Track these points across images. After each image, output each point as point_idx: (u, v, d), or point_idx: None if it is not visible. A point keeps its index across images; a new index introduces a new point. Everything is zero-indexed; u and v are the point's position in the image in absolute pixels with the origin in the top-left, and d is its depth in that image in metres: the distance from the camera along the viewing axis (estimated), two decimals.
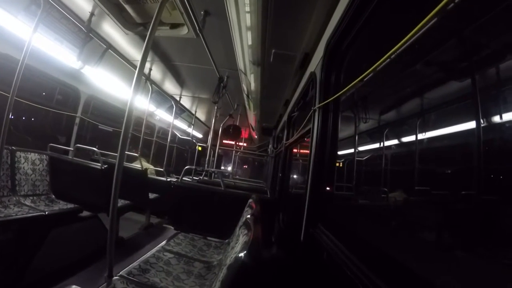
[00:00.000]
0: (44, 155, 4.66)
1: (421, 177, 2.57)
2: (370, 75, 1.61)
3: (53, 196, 4.60)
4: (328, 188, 2.42)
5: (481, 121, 1.51)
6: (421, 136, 2.62)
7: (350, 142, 4.29)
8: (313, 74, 3.10)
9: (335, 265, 1.59)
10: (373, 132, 4.07)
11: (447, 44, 1.96)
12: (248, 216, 2.32)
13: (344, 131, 4.69)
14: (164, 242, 3.30)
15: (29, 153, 4.44)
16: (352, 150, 4.35)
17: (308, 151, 2.78)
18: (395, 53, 1.41)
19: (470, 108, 1.71)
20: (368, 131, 4.16)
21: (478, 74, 1.66)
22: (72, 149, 5.04)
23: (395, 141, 3.55)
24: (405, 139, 3.16)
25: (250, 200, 3.19)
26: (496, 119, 1.50)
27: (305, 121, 3.20)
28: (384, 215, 3.05)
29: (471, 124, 1.63)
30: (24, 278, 3.27)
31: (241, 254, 1.37)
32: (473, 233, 1.46)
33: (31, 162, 4.43)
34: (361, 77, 1.63)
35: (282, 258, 3.81)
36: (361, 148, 4.47)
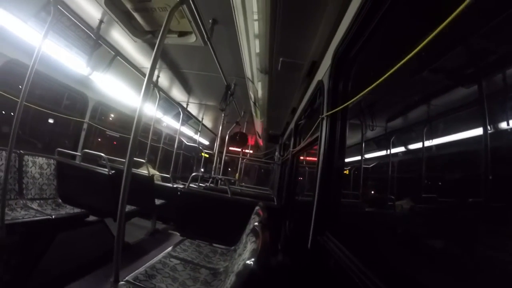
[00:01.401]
0: (52, 160, 4.69)
1: (428, 184, 2.56)
2: (377, 86, 1.62)
3: (60, 200, 4.61)
4: (335, 196, 2.42)
5: (488, 127, 1.51)
6: (428, 143, 2.61)
7: (357, 149, 4.28)
8: (320, 83, 3.11)
9: (343, 273, 1.59)
10: (380, 139, 4.06)
11: (453, 51, 1.97)
12: (256, 223, 2.32)
13: (351, 138, 4.68)
14: (170, 248, 3.29)
15: (37, 157, 4.46)
16: (359, 158, 4.34)
17: (315, 159, 2.79)
18: (404, 63, 1.42)
19: (477, 114, 1.71)
20: (375, 138, 4.16)
21: (485, 81, 1.66)
22: (79, 154, 5.07)
23: (402, 148, 3.54)
24: (412, 146, 3.15)
25: (257, 208, 3.19)
26: (503, 125, 1.50)
27: (313, 129, 3.21)
28: (391, 223, 3.04)
29: (478, 131, 1.63)
30: (30, 281, 3.28)
31: (250, 262, 1.37)
32: (481, 240, 1.45)
33: (38, 166, 4.46)
34: (369, 88, 1.63)
35: (289, 266, 3.80)
36: (368, 156, 4.46)
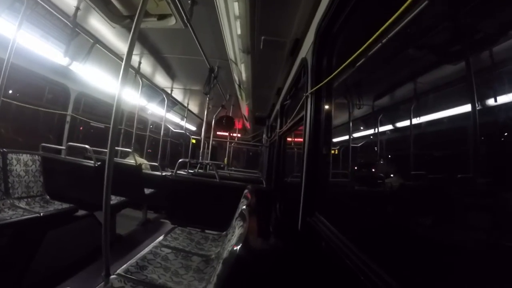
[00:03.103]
0: (37, 156, 4.59)
1: (417, 161, 2.56)
2: (362, 59, 1.58)
3: (48, 196, 4.54)
4: (323, 176, 2.40)
5: (476, 104, 1.49)
6: (415, 120, 2.60)
7: (345, 128, 4.27)
8: (304, 60, 3.06)
9: (333, 253, 1.57)
10: (367, 118, 4.05)
11: (440, 27, 1.93)
12: (244, 207, 2.30)
13: (339, 118, 4.67)
14: (161, 238, 3.27)
15: (21, 154, 4.36)
16: (347, 137, 4.33)
17: (302, 139, 2.75)
18: (387, 36, 1.38)
19: (465, 91, 1.68)
20: (363, 117, 4.15)
21: (473, 57, 1.63)
22: (64, 148, 4.98)
23: (389, 126, 3.52)
24: (400, 124, 3.13)
25: (246, 191, 3.17)
26: (491, 102, 1.48)
27: (298, 108, 3.17)
28: (380, 201, 3.04)
29: (466, 107, 1.61)
30: (22, 282, 3.23)
31: (236, 248, 1.34)
32: (467, 215, 1.44)
33: (23, 163, 4.36)
34: (350, 58, 1.60)
35: (280, 248, 3.80)
36: (356, 135, 4.46)
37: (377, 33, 1.28)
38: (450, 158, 1.93)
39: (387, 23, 1.19)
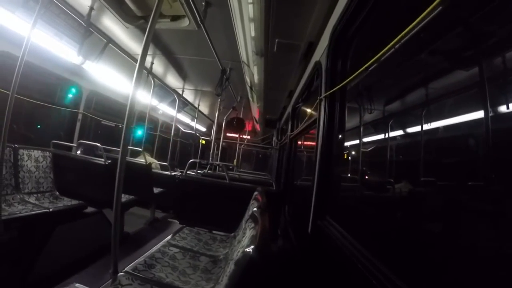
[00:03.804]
0: (47, 152, 4.63)
1: (427, 168, 2.53)
2: (376, 64, 1.56)
3: (57, 193, 4.57)
4: (335, 180, 2.38)
5: (489, 110, 1.46)
6: (426, 126, 2.57)
7: (355, 133, 4.25)
8: (318, 64, 3.05)
9: (344, 257, 1.56)
10: (378, 122, 4.03)
11: (453, 31, 1.91)
12: (255, 209, 2.28)
13: (349, 121, 4.64)
14: (169, 237, 3.27)
15: (32, 150, 4.40)
16: (357, 141, 4.31)
17: (313, 143, 2.74)
18: (401, 42, 1.36)
19: (477, 97, 1.66)
20: (374, 121, 4.12)
21: (485, 63, 1.61)
22: (75, 145, 5.02)
23: (400, 132, 3.50)
24: (410, 130, 3.11)
25: (256, 193, 3.15)
26: (504, 108, 1.45)
27: (311, 111, 3.16)
28: (390, 206, 3.02)
29: (479, 114, 1.58)
30: (29, 276, 3.25)
31: (249, 249, 1.33)
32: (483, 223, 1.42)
33: (34, 159, 4.40)
34: (367, 64, 1.59)
35: (289, 251, 3.78)
36: (366, 139, 4.43)
37: (396, 39, 1.28)
38: (461, 165, 1.91)
39: (405, 31, 1.18)
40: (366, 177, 4.08)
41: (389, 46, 1.35)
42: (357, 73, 1.77)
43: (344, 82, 2.07)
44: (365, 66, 1.62)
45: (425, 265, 1.38)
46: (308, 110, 3.28)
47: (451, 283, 1.29)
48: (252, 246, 1.35)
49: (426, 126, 2.50)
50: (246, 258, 1.30)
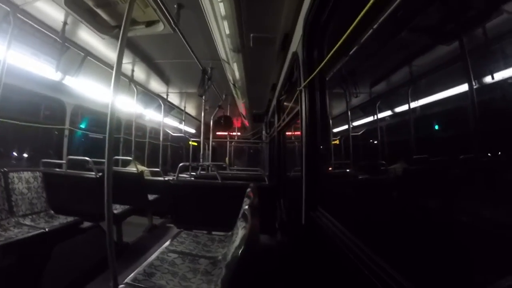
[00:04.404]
0: (38, 172, 4.59)
1: (418, 145, 2.54)
2: (355, 47, 1.57)
3: (52, 211, 4.53)
4: (323, 170, 2.39)
5: (473, 82, 1.47)
6: (413, 104, 2.58)
7: (344, 118, 4.26)
8: (295, 54, 3.05)
9: (336, 247, 1.57)
10: (366, 105, 4.03)
11: (431, 7, 1.92)
12: (246, 207, 2.29)
13: (336, 108, 4.65)
14: (167, 243, 3.26)
15: (22, 172, 4.36)
16: (346, 126, 4.32)
17: (299, 133, 2.75)
18: (377, 22, 1.37)
19: (460, 71, 1.67)
20: (361, 105, 4.13)
21: (466, 36, 1.62)
22: (64, 161, 4.99)
23: (388, 112, 3.51)
24: (398, 109, 3.12)
25: (248, 190, 3.16)
26: (488, 79, 1.46)
27: (293, 102, 3.16)
28: (385, 188, 3.03)
29: (463, 87, 1.59)
30: None
31: (238, 251, 1.34)
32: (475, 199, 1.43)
33: (25, 181, 4.35)
34: (336, 46, 1.59)
35: (286, 244, 3.79)
36: (355, 123, 4.44)
37: (358, 20, 1.28)
38: (451, 139, 1.92)
39: (367, 6, 1.18)
40: (358, 161, 4.09)
41: (353, 26, 1.35)
42: (328, 56, 1.77)
43: (318, 69, 2.07)
44: (335, 48, 1.62)
45: (418, 252, 1.38)
46: (291, 102, 3.27)
47: (446, 270, 1.29)
48: (242, 247, 1.36)
49: (413, 104, 2.52)
50: (235, 260, 1.31)
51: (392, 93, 3.23)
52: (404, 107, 2.87)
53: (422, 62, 2.34)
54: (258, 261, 1.50)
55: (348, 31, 1.39)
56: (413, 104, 2.55)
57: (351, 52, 2.23)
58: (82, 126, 6.81)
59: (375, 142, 3.55)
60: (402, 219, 1.89)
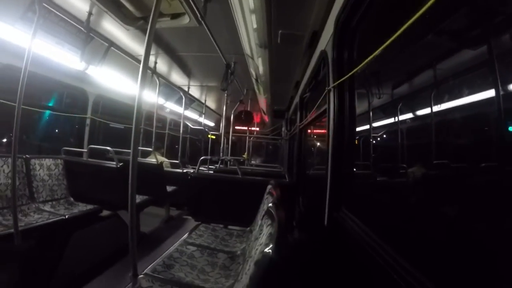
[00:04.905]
0: (59, 160, 4.66)
1: (439, 150, 2.49)
2: (384, 50, 1.53)
3: (72, 199, 4.61)
4: (349, 170, 2.36)
5: (500, 88, 1.43)
6: (436, 108, 2.53)
7: (364, 119, 4.21)
8: (323, 53, 3.02)
9: (362, 250, 1.54)
10: (387, 107, 3.98)
11: (460, 11, 1.87)
12: (270, 204, 2.27)
13: (358, 107, 4.59)
14: (186, 235, 3.28)
15: (43, 159, 4.44)
16: (367, 127, 4.26)
17: (324, 131, 2.72)
18: (408, 26, 1.33)
19: (487, 76, 1.62)
20: (382, 106, 4.07)
21: (494, 41, 1.57)
22: (85, 150, 5.04)
23: (410, 115, 3.45)
24: (420, 112, 3.06)
25: (270, 187, 3.14)
26: None
27: (320, 101, 3.13)
28: (404, 192, 2.98)
29: (490, 93, 1.55)
30: (51, 284, 3.28)
31: (269, 250, 1.32)
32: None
33: (46, 168, 4.43)
34: (375, 53, 1.56)
35: (305, 243, 3.77)
36: (375, 124, 4.38)
37: (403, 28, 1.25)
38: (473, 146, 1.87)
39: (412, 19, 1.15)
40: (378, 163, 4.04)
41: (396, 35, 1.31)
42: (365, 62, 1.73)
43: (352, 72, 2.04)
44: (374, 54, 1.59)
45: (450, 257, 1.35)
46: (316, 100, 3.24)
47: (477, 277, 1.25)
48: (271, 245, 1.34)
49: (436, 108, 2.47)
50: (266, 259, 1.29)
51: (415, 96, 3.17)
52: (427, 111, 2.82)
53: (448, 65, 2.29)
54: (287, 261, 1.49)
55: (390, 40, 1.35)
56: (436, 108, 2.50)
57: (380, 53, 2.19)
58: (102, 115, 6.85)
59: (395, 144, 3.50)
60: (433, 224, 1.85)
